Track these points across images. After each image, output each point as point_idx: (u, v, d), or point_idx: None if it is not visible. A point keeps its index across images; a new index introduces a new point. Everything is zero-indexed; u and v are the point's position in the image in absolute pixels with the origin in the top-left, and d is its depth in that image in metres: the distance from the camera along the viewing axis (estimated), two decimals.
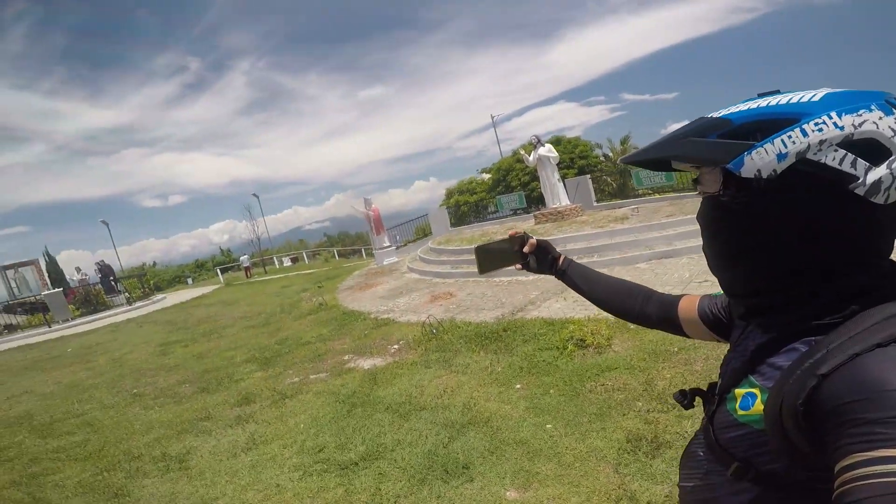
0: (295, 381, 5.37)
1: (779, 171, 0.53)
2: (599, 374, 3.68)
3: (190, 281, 31.50)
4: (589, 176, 13.84)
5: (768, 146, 0.53)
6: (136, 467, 3.93)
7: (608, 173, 16.19)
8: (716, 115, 0.60)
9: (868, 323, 0.50)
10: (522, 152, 11.65)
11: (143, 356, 8.77)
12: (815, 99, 0.54)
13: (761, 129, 0.55)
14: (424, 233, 17.23)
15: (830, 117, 0.52)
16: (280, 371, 5.91)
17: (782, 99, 0.56)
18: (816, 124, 0.52)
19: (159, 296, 21.74)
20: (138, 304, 19.21)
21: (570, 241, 8.53)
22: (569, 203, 11.09)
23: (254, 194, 31.90)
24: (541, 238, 1.06)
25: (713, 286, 0.73)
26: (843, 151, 0.51)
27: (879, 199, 0.51)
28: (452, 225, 16.49)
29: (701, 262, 6.65)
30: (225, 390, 5.62)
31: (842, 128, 0.51)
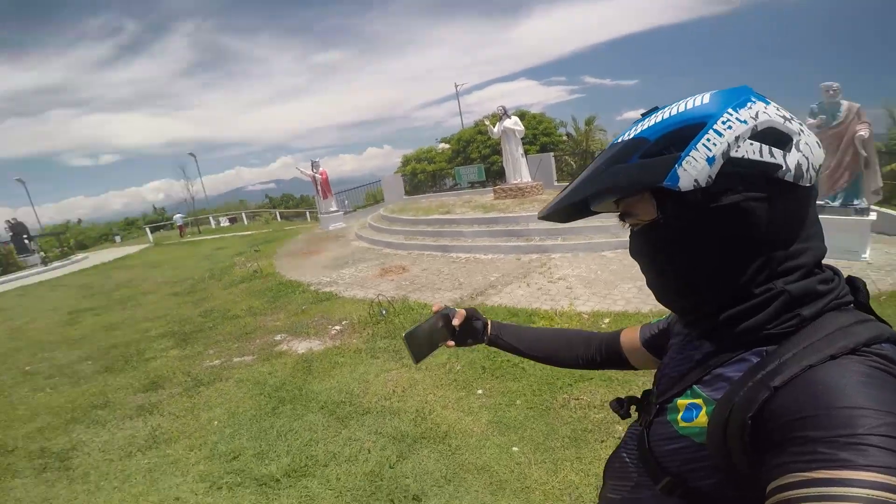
0: (215, 364, 4.63)
1: (713, 177, 0.52)
2: (573, 384, 3.15)
3: (118, 239, 28.85)
4: (552, 154, 13.34)
5: (694, 153, 0.53)
6: (8, 465, 3.20)
7: (570, 153, 15.74)
8: (627, 137, 0.58)
9: (821, 334, 0.50)
10: (487, 123, 10.96)
11: (48, 325, 7.69)
12: (707, 101, 0.55)
13: (676, 139, 0.54)
14: (376, 199, 16.34)
15: (731, 114, 0.53)
16: (199, 350, 5.13)
17: (678, 107, 0.56)
18: (724, 122, 0.53)
19: (80, 255, 19.72)
20: (55, 264, 17.31)
21: (531, 220, 7.94)
22: (530, 180, 10.55)
23: (190, 153, 29.48)
24: (468, 307, 1.00)
25: None
26: (757, 143, 0.52)
27: (805, 182, 0.54)
28: (407, 193, 15.65)
29: None
30: (132, 370, 4.83)
31: (745, 121, 0.53)
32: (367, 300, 5.67)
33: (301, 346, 4.72)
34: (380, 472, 2.50)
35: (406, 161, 18.20)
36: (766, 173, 0.52)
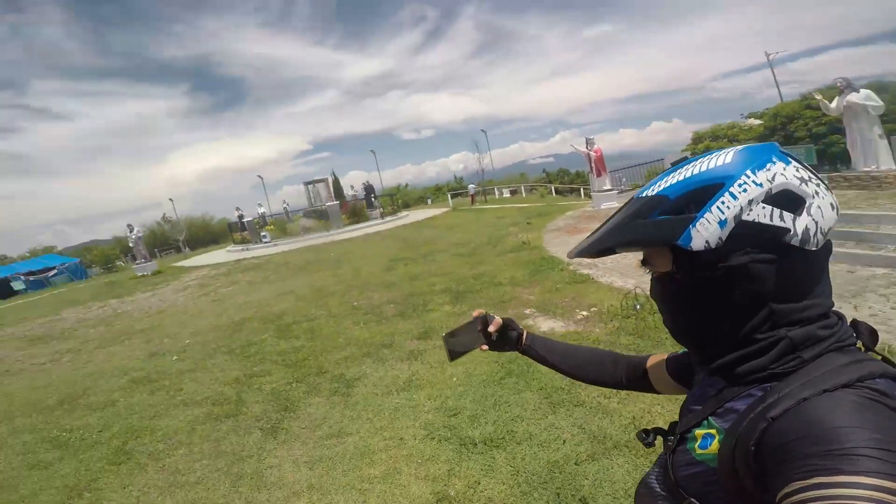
0: None
1: (724, 239, 0.57)
2: None
3: (429, 201, 35.42)
4: None
5: (708, 215, 0.57)
6: (317, 384, 4.46)
7: None
8: (650, 193, 0.64)
9: (818, 372, 0.55)
10: (819, 97, 8.56)
11: (374, 270, 10.05)
12: (728, 160, 0.59)
13: (694, 199, 0.59)
14: None
15: (748, 176, 0.57)
16: (465, 309, 5.95)
17: (700, 165, 0.60)
18: (740, 185, 0.57)
19: (404, 212, 25.11)
20: (388, 218, 22.59)
21: (886, 220, 5.78)
22: (893, 167, 7.82)
23: (482, 130, 34.14)
24: (505, 316, 1.07)
25: None
26: (770, 207, 0.56)
27: (812, 246, 0.57)
28: None
29: None
30: (417, 318, 5.95)
31: (760, 184, 0.56)
32: (623, 290, 5.47)
33: (545, 325, 4.99)
34: (562, 465, 2.59)
35: (698, 138, 15.98)
36: (774, 237, 0.56)
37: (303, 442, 3.47)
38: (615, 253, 0.68)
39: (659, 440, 0.79)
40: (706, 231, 0.57)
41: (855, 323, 0.63)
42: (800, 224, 0.56)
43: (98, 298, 14.09)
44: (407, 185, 48.28)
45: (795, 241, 0.56)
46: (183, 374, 5.45)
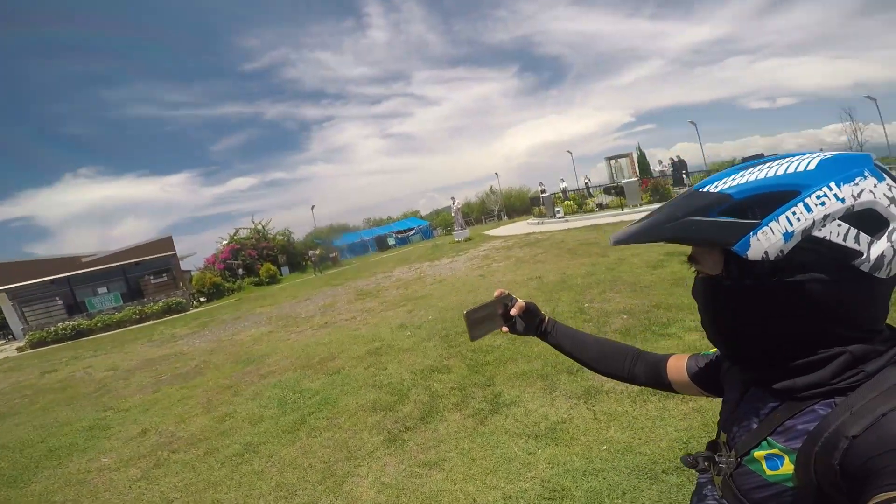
0: None
1: (785, 252, 0.52)
2: None
3: None
4: None
5: (774, 225, 0.52)
6: (469, 396, 4.09)
7: None
8: (713, 188, 0.59)
9: (886, 385, 0.52)
10: None
11: (640, 263, 8.59)
12: (812, 167, 0.53)
13: (762, 203, 0.54)
14: None
15: (830, 188, 0.51)
16: None
17: (777, 168, 0.55)
18: (818, 197, 0.51)
19: None
20: None
21: None
22: None
23: (868, 97, 26.10)
24: (528, 301, 1.04)
25: None
26: (847, 226, 0.51)
27: (882, 274, 0.52)
28: None
29: None
30: (647, 341, 4.69)
31: (843, 200, 0.51)
32: None
33: None
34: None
35: None
36: (844, 259, 0.52)
37: (396, 464, 3.24)
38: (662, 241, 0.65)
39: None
40: (767, 241, 0.53)
41: None
42: (875, 249, 0.52)
43: (421, 259, 17.27)
44: (742, 160, 40.39)
45: (865, 267, 0.52)
46: (399, 353, 5.92)
